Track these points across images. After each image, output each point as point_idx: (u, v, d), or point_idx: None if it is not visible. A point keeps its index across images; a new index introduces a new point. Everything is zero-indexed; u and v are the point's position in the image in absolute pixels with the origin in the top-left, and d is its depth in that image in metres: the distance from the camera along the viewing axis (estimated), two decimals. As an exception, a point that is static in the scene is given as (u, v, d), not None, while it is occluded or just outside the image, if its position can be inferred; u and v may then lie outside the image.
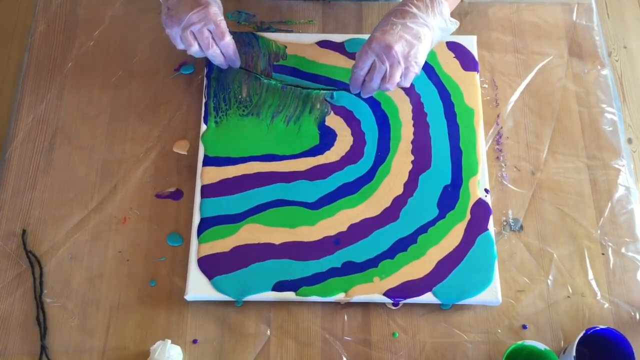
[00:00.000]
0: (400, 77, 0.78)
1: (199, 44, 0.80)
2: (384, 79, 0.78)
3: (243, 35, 0.91)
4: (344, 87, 0.87)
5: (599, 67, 0.93)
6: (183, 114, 0.89)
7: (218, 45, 0.81)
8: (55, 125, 0.88)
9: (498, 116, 0.89)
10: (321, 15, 0.96)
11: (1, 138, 1.03)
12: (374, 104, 0.88)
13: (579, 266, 0.81)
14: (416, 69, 0.78)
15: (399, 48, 0.76)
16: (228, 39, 0.81)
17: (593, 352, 0.74)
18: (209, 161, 0.83)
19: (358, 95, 0.84)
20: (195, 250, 0.78)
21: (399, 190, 0.82)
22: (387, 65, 0.77)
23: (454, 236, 0.80)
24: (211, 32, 0.79)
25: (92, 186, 0.84)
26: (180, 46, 0.81)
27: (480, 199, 0.82)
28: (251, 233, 0.79)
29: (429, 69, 0.90)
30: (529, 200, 0.84)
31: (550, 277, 0.80)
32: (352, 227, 0.80)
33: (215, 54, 0.82)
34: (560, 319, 0.78)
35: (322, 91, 0.88)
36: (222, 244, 0.79)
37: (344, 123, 0.86)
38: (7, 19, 1.82)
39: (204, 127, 0.86)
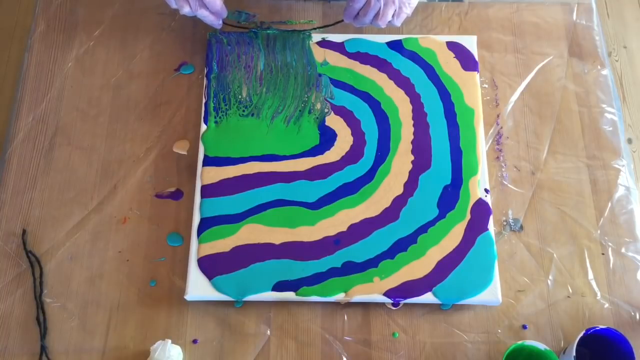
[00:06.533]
0: (393, 16, 0.83)
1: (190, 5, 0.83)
2: (376, 15, 0.82)
3: (243, 35, 0.91)
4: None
5: (599, 67, 0.93)
6: (183, 114, 0.89)
7: (205, 2, 0.83)
8: (55, 125, 0.88)
9: (498, 116, 0.89)
10: (321, 15, 0.95)
11: (1, 138, 1.03)
12: (374, 104, 0.88)
13: (579, 266, 0.81)
14: (408, 10, 0.83)
15: None
16: None
17: (593, 352, 0.73)
18: (209, 161, 0.83)
19: (351, 23, 0.88)
20: (195, 250, 0.78)
21: (399, 190, 0.82)
22: (382, 2, 0.80)
23: (454, 236, 0.80)
24: None
25: (92, 186, 0.84)
26: (174, 6, 0.84)
27: (480, 199, 0.82)
28: (251, 233, 0.79)
29: (429, 69, 0.90)
30: (529, 200, 0.84)
31: (550, 277, 0.80)
32: (352, 227, 0.80)
33: (204, 15, 0.84)
34: (560, 319, 0.78)
35: (312, 30, 0.92)
36: (222, 244, 0.79)
37: (344, 123, 0.86)
38: (7, 19, 1.82)
39: (204, 127, 0.85)
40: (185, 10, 0.83)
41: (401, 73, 0.90)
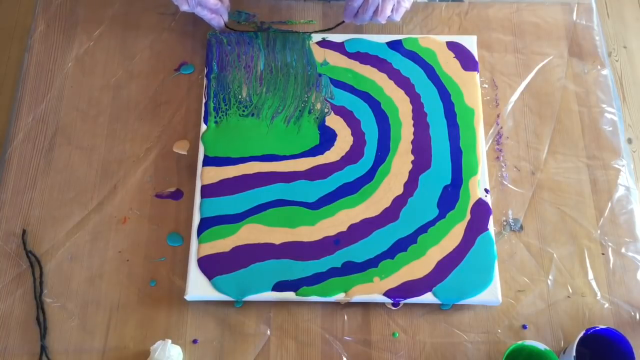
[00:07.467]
0: (392, 11, 0.84)
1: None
2: (375, 11, 0.84)
3: (243, 35, 0.91)
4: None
5: (599, 67, 0.93)
6: (183, 114, 0.89)
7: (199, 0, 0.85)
8: (55, 125, 0.88)
9: (498, 116, 0.89)
10: (321, 15, 0.96)
11: (1, 138, 1.03)
12: (374, 104, 0.88)
13: (579, 266, 0.81)
14: (407, 3, 0.85)
15: None
16: None
17: (593, 352, 0.74)
18: (209, 161, 0.83)
19: (351, 22, 0.89)
20: (195, 250, 0.78)
21: (399, 190, 0.82)
22: None
23: (454, 236, 0.80)
24: None
25: (92, 186, 0.84)
26: (175, 2, 0.86)
27: (480, 199, 0.82)
28: (251, 233, 0.79)
29: (429, 68, 0.90)
30: (529, 200, 0.84)
31: (550, 277, 0.80)
32: (352, 227, 0.80)
33: (202, 14, 0.87)
34: (560, 319, 0.78)
35: (312, 34, 0.92)
36: (222, 244, 0.79)
37: (344, 123, 0.86)
38: (7, 19, 1.82)
39: (204, 127, 0.85)
40: (184, 7, 0.85)
41: (401, 73, 0.90)
